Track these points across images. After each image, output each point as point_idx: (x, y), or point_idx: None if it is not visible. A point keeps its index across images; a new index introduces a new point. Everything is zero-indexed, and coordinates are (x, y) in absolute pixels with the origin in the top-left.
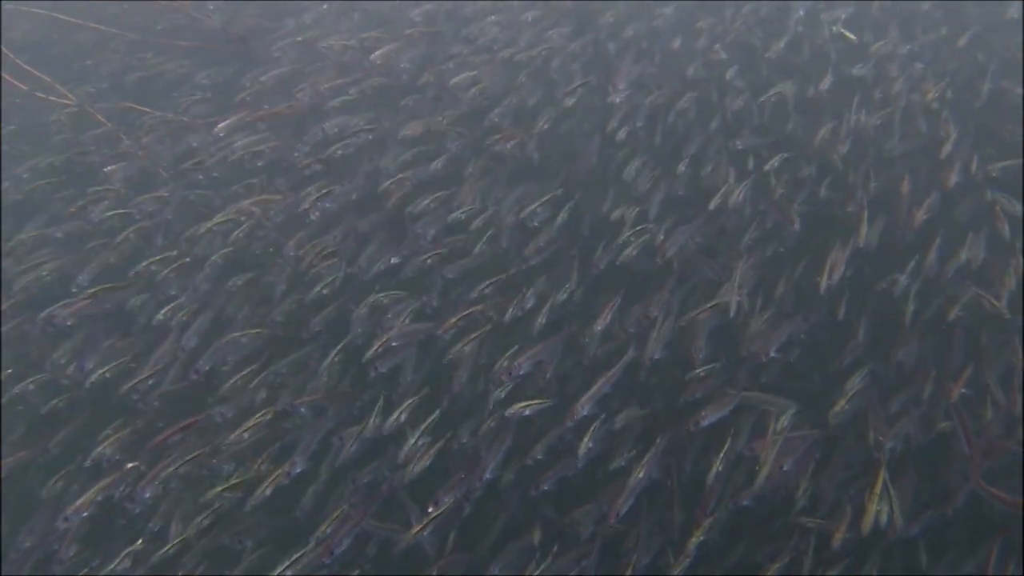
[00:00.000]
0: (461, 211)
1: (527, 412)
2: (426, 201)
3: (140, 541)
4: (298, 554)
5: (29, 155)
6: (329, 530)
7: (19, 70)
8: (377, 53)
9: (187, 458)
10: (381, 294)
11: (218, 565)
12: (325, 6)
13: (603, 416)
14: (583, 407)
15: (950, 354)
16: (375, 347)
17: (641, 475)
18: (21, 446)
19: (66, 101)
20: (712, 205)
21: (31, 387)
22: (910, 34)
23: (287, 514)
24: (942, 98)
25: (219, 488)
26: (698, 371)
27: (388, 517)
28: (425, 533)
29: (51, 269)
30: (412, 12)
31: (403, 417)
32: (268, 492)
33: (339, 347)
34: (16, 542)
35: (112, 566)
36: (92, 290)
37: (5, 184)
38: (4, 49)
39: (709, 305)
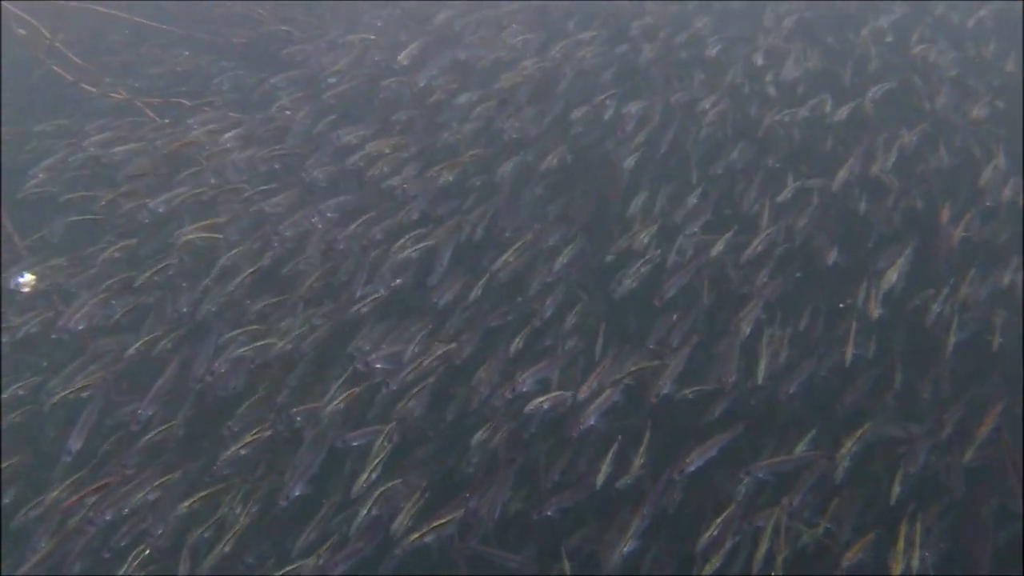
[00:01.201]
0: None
1: (546, 406)
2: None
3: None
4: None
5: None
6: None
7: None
8: (403, 54)
9: (158, 482)
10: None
11: None
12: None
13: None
14: (590, 417)
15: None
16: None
17: (644, 520)
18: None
19: (116, 95)
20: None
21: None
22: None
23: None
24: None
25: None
26: (687, 392)
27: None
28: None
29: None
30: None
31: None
32: (252, 518)
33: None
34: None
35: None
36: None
37: (36, 179)
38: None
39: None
